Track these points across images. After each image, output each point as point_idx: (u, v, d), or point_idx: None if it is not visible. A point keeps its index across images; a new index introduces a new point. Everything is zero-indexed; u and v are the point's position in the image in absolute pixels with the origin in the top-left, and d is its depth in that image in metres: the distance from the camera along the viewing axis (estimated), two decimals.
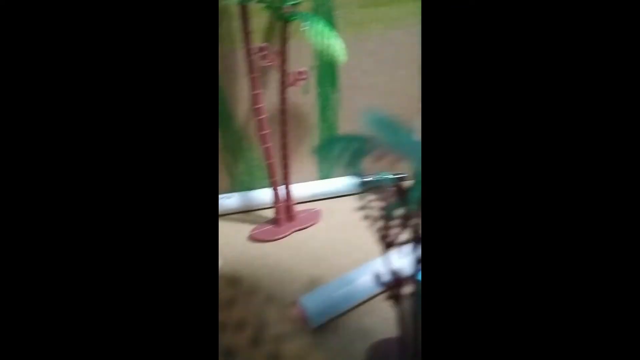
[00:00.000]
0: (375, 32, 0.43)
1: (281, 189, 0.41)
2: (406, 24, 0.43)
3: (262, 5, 0.34)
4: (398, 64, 0.45)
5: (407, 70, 0.46)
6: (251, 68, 0.35)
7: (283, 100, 0.38)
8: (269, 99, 0.40)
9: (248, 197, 0.46)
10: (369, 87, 0.45)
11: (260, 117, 0.37)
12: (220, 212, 0.46)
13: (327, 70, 0.43)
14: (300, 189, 0.46)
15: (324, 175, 0.49)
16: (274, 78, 0.41)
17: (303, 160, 0.47)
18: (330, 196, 0.47)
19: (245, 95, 0.43)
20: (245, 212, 0.46)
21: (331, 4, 0.40)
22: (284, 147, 0.39)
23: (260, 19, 0.38)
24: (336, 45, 0.33)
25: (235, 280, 0.35)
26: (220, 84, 0.42)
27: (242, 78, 0.42)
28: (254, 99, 0.37)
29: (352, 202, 0.45)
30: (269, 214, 0.45)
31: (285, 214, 0.42)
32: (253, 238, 0.41)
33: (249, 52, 0.35)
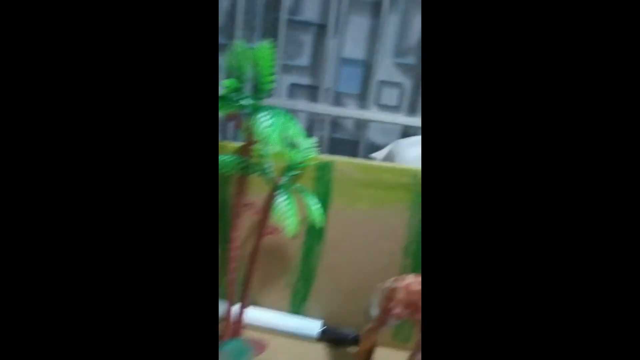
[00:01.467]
0: (366, 207, 0.48)
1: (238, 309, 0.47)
2: (395, 207, 0.47)
3: (259, 174, 0.43)
4: (384, 237, 0.48)
5: (391, 244, 0.48)
6: (235, 216, 0.44)
7: (257, 244, 0.45)
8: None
9: None
10: (353, 249, 0.49)
11: (232, 254, 0.45)
12: None
13: (316, 228, 0.49)
14: (264, 316, 0.51)
15: (294, 311, 0.53)
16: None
17: (278, 291, 0.52)
18: (287, 332, 0.51)
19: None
20: None
21: (329, 178, 0.47)
22: (250, 272, 0.46)
23: (254, 185, 0.46)
24: (316, 213, 0.41)
25: None
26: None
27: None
28: (231, 240, 0.45)
29: (305, 346, 0.47)
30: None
31: (231, 332, 0.47)
32: None
33: (237, 205, 0.44)
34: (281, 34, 0.87)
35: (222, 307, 0.50)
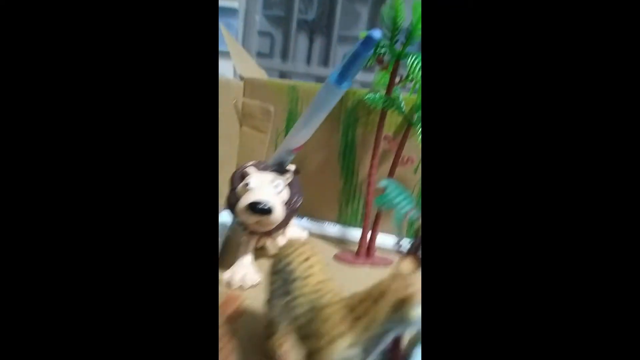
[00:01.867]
0: None
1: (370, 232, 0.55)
2: None
3: (397, 112, 0.51)
4: None
5: None
6: (376, 146, 0.52)
7: (392, 171, 0.53)
8: (384, 169, 0.56)
9: (345, 230, 0.61)
10: None
11: (371, 178, 0.53)
12: (322, 234, 0.62)
13: None
14: (386, 239, 0.59)
15: (410, 236, 0.61)
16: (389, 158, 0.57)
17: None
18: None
19: (368, 163, 0.60)
20: (339, 241, 0.62)
21: None
22: None
23: (393, 117, 0.54)
24: None
25: None
26: (355, 153, 0.60)
27: (370, 151, 0.59)
28: (371, 165, 0.53)
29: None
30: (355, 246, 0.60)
31: (366, 250, 0.55)
32: (336, 258, 0.55)
33: (378, 138, 0.52)
34: None
35: (357, 232, 0.58)
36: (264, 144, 0.62)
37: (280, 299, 0.28)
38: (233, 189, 0.45)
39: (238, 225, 0.47)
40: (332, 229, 0.62)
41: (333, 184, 0.62)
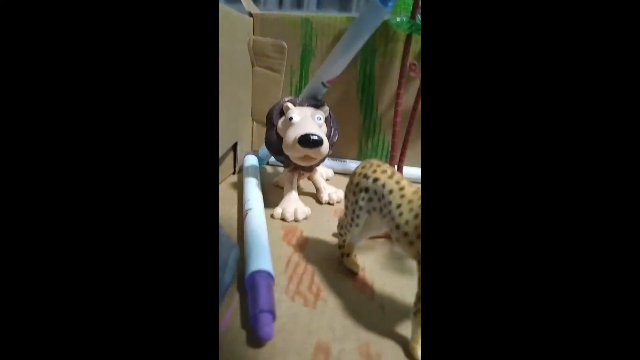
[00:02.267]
0: None
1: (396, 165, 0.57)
2: None
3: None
4: None
5: None
6: (402, 74, 0.52)
7: (417, 101, 0.53)
8: (405, 101, 0.56)
9: None
10: None
11: (398, 109, 0.53)
12: (346, 172, 0.63)
13: None
14: (410, 171, 0.61)
15: None
16: (414, 87, 0.57)
17: (415, 151, 0.62)
18: None
19: (387, 97, 0.60)
20: None
21: None
22: (407, 134, 0.55)
23: (418, 44, 0.54)
24: None
25: None
26: (374, 86, 0.59)
27: (390, 84, 0.59)
28: (397, 95, 0.53)
29: None
30: None
31: None
32: None
33: (404, 65, 0.52)
34: None
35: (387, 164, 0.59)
36: (278, 84, 0.60)
37: (372, 212, 0.29)
38: (273, 125, 0.44)
39: (273, 163, 0.46)
40: (355, 165, 0.63)
41: (353, 120, 0.62)
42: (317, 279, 0.32)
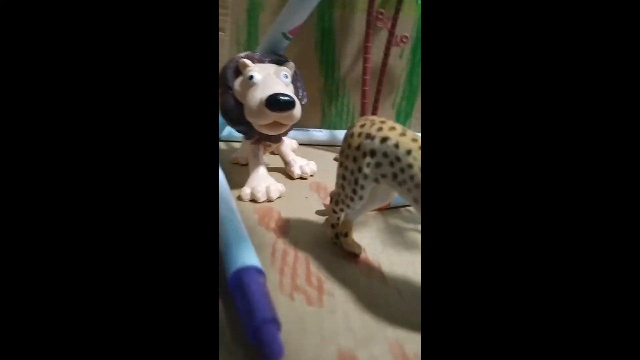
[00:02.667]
0: None
1: None
2: None
3: None
4: None
5: None
6: (369, 25, 0.46)
7: (386, 55, 0.48)
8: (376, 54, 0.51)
9: (334, 134, 0.57)
10: None
11: (367, 65, 0.47)
12: (311, 142, 0.57)
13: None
14: None
15: None
16: (380, 39, 0.51)
17: (385, 112, 0.57)
18: None
19: (350, 53, 0.53)
20: (330, 145, 0.57)
21: None
22: (378, 93, 0.50)
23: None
24: None
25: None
26: (334, 41, 0.53)
27: (352, 37, 0.53)
28: (365, 50, 0.47)
29: None
30: None
31: None
32: (337, 159, 0.51)
33: (370, 14, 0.46)
34: None
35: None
36: (222, 44, 0.51)
37: (381, 180, 0.23)
38: (228, 89, 0.36)
39: (224, 139, 0.39)
40: (320, 134, 0.57)
41: (312, 82, 0.55)
42: (314, 267, 0.26)
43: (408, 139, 0.22)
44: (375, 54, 0.51)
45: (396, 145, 0.22)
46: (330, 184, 0.41)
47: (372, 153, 0.23)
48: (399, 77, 0.55)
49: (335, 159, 0.51)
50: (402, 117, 0.58)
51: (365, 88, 0.48)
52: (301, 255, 0.27)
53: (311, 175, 0.44)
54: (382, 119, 0.24)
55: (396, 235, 0.31)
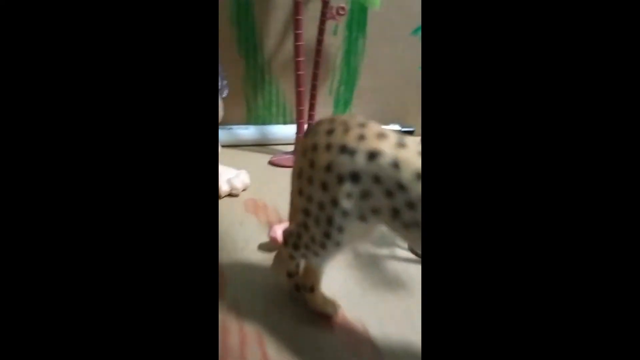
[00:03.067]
0: None
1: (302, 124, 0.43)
2: None
3: None
4: None
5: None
6: None
7: (321, 30, 0.39)
8: (309, 31, 0.41)
9: (263, 130, 0.47)
10: (395, 39, 0.48)
11: (300, 43, 0.38)
12: (237, 142, 0.46)
13: (359, 16, 0.45)
14: None
15: None
16: (313, 10, 0.42)
17: (322, 101, 0.49)
18: None
19: (273, 29, 0.44)
20: (260, 145, 0.47)
21: None
22: (314, 78, 0.41)
23: None
24: None
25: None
26: (253, 15, 0.42)
27: (275, 10, 0.43)
28: (296, 25, 0.38)
29: None
30: (283, 148, 0.47)
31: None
32: (273, 163, 0.42)
33: None
34: None
35: (277, 129, 0.44)
36: None
37: (370, 218, 0.15)
38: None
39: None
40: (245, 131, 0.46)
41: (231, 68, 0.44)
42: (271, 348, 0.17)
43: (412, 152, 0.14)
44: (307, 31, 0.41)
45: (395, 165, 0.14)
46: (270, 199, 0.32)
47: (355, 177, 0.14)
48: (334, 58, 0.47)
49: (271, 163, 0.42)
50: (341, 106, 0.50)
51: (300, 72, 0.39)
52: (249, 330, 0.18)
53: (243, 190, 0.34)
54: (359, 118, 0.16)
55: (372, 268, 0.24)
